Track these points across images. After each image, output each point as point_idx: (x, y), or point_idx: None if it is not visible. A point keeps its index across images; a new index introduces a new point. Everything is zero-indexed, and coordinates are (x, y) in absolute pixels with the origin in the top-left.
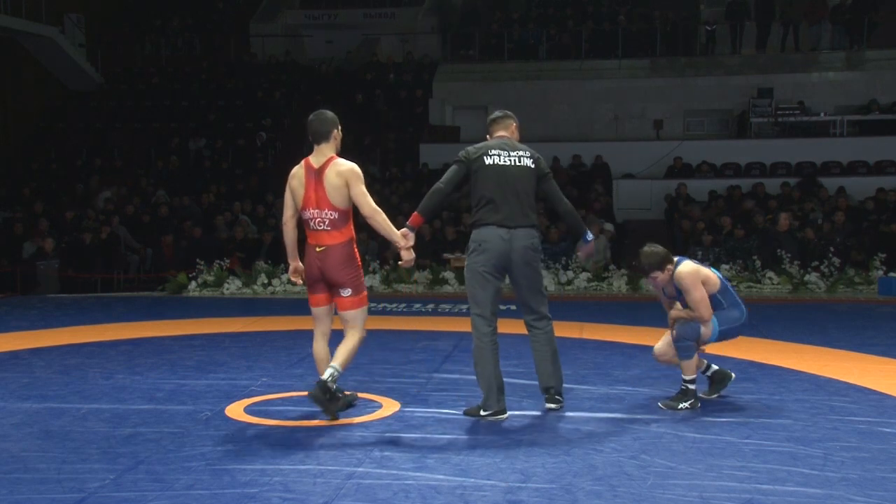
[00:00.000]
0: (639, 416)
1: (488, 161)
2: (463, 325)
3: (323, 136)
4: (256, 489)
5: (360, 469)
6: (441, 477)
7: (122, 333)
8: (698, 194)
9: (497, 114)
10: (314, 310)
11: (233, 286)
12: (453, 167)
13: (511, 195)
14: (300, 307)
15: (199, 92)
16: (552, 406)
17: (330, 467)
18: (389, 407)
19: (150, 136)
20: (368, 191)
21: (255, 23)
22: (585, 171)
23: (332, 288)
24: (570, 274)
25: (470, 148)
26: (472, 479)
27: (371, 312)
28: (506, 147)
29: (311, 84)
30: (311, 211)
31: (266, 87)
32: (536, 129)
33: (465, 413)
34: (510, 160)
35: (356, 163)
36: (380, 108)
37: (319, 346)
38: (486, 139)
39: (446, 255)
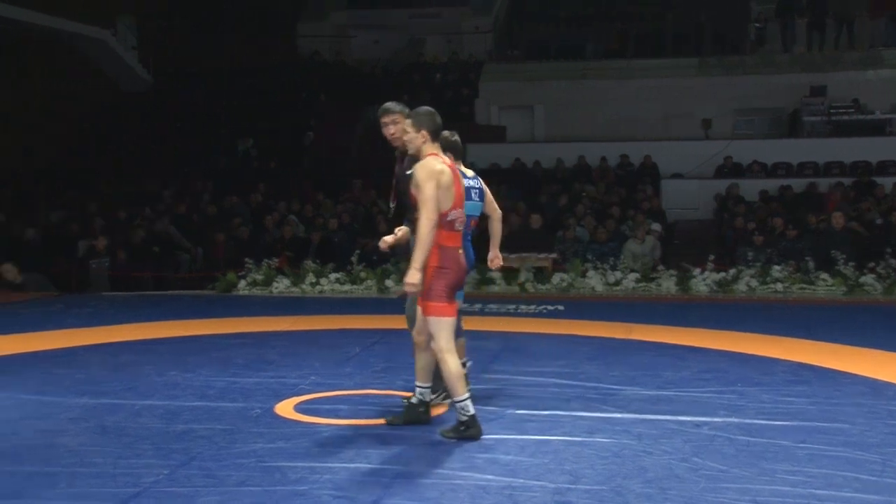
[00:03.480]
0: (689, 419)
1: None
2: (510, 325)
3: (436, 136)
4: (306, 486)
5: (408, 468)
6: (490, 477)
7: (174, 331)
8: (749, 194)
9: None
10: (453, 321)
11: (281, 285)
12: None
13: None
14: (348, 306)
15: (247, 92)
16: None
17: (379, 466)
18: (438, 407)
19: (199, 136)
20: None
21: (302, 24)
22: (633, 171)
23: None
24: (618, 274)
25: None
26: (521, 480)
27: None
28: None
29: (357, 84)
30: (458, 211)
31: (313, 87)
32: (583, 128)
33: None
34: None
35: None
36: None
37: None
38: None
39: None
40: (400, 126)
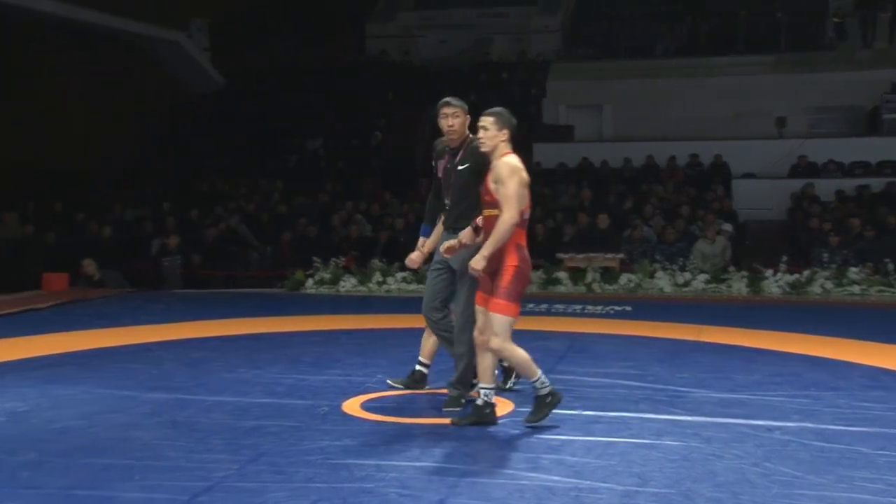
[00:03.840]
0: (761, 422)
1: None
2: (576, 326)
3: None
4: (373, 484)
5: (474, 467)
6: (556, 478)
7: (244, 328)
8: (825, 194)
9: None
10: (514, 321)
11: (348, 284)
12: None
13: None
14: (414, 305)
15: (316, 93)
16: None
17: (445, 465)
18: (503, 407)
19: (268, 136)
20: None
21: (370, 24)
22: (703, 171)
23: None
24: (688, 275)
25: None
26: (588, 482)
27: None
28: None
29: (425, 84)
30: (529, 211)
31: (380, 87)
32: (653, 127)
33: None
34: None
35: None
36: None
37: None
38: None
39: (560, 255)
40: (460, 120)
